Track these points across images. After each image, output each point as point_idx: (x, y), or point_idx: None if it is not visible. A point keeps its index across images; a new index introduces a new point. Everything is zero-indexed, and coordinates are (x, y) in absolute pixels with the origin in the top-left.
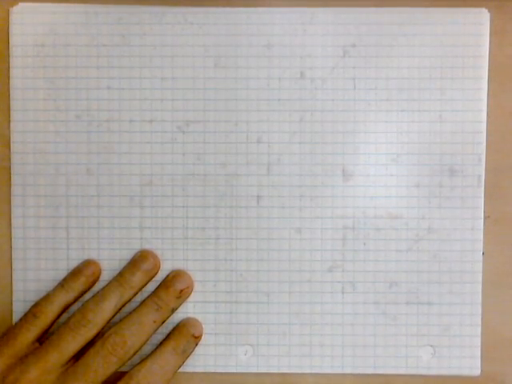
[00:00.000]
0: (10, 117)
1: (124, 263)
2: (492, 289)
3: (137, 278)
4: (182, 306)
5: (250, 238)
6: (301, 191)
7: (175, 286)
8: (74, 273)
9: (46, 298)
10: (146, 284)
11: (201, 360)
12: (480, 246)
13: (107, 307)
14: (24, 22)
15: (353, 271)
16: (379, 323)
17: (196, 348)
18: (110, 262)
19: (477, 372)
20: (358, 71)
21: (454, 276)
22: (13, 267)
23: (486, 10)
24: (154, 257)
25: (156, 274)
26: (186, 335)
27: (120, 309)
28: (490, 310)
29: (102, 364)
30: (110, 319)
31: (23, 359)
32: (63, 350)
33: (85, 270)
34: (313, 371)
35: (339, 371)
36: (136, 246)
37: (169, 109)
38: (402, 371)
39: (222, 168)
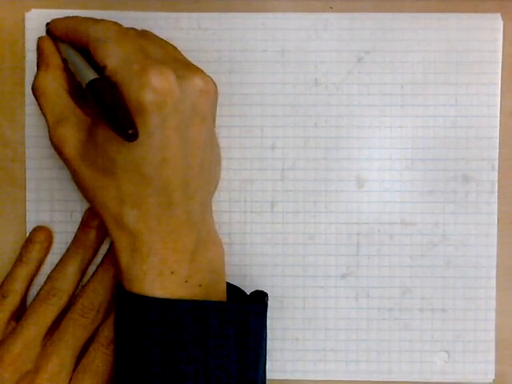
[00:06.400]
0: (24, 121)
1: None
2: (506, 294)
3: (91, 237)
4: None
5: (264, 244)
6: (315, 197)
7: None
8: (27, 243)
9: (9, 276)
10: (103, 240)
11: None
12: (494, 251)
13: (70, 272)
14: (39, 27)
15: (367, 277)
16: (393, 329)
17: None
18: None
19: (491, 377)
20: (373, 77)
21: (468, 281)
22: None
23: (500, 16)
24: None
25: None
26: None
27: (85, 271)
28: (505, 315)
29: (77, 328)
30: (78, 283)
31: (3, 340)
32: (39, 322)
33: (36, 237)
34: (327, 377)
35: (353, 378)
36: None
37: None
38: (416, 377)
39: (235, 173)
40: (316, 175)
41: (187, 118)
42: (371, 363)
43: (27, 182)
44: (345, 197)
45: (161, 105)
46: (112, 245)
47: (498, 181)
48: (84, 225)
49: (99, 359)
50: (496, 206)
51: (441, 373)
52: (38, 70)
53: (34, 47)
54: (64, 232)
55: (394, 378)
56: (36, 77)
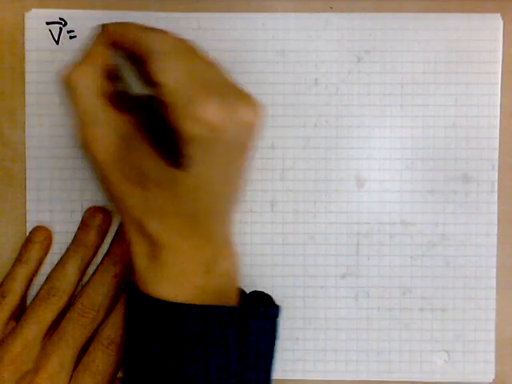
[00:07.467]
0: (24, 121)
1: None
2: (506, 294)
3: (91, 237)
4: None
5: (264, 244)
6: (315, 197)
7: (90, 224)
8: (27, 243)
9: (8, 276)
10: (102, 240)
11: None
12: (494, 251)
13: (70, 272)
14: (39, 27)
15: (367, 277)
16: (393, 329)
17: None
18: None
19: (491, 377)
20: (373, 77)
21: (468, 281)
22: None
23: (500, 16)
24: (103, 211)
25: (109, 227)
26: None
27: (84, 271)
28: (505, 315)
29: (77, 328)
30: (78, 283)
31: (3, 339)
32: (39, 322)
33: (36, 237)
34: (327, 377)
35: (353, 377)
36: None
37: None
38: (416, 377)
39: None
40: (316, 175)
41: (232, 151)
42: (371, 363)
43: (27, 182)
44: (345, 197)
45: (211, 141)
46: (112, 245)
47: (498, 181)
48: (84, 225)
49: (100, 359)
50: (496, 206)
51: (441, 373)
52: (77, 61)
53: (34, 47)
54: (64, 232)
55: (393, 377)
56: (72, 67)
